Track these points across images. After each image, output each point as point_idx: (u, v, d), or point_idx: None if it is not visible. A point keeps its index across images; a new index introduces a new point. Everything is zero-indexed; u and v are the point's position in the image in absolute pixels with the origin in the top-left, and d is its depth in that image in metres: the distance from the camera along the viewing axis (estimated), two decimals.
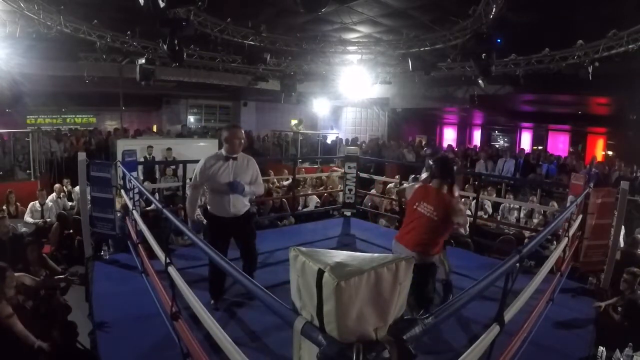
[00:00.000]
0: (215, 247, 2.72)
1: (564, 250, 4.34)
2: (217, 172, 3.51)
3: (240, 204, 3.63)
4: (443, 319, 1.52)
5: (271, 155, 13.40)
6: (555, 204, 7.42)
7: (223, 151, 3.58)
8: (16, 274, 3.61)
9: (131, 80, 10.54)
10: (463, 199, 7.73)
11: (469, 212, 7.21)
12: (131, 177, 4.72)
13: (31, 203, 7.16)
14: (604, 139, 14.61)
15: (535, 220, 7.71)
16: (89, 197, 5.03)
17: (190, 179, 4.04)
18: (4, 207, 7.09)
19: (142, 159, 8.99)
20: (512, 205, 7.99)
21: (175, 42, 7.62)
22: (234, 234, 3.72)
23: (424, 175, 4.25)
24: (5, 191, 7.38)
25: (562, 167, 10.76)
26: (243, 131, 3.74)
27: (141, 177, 7.75)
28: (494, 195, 8.54)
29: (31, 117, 13.98)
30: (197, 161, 3.69)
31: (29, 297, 3.60)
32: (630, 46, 7.61)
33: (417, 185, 3.36)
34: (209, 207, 3.69)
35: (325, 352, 1.18)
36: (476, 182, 7.62)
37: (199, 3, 6.81)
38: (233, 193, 3.51)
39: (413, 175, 4.66)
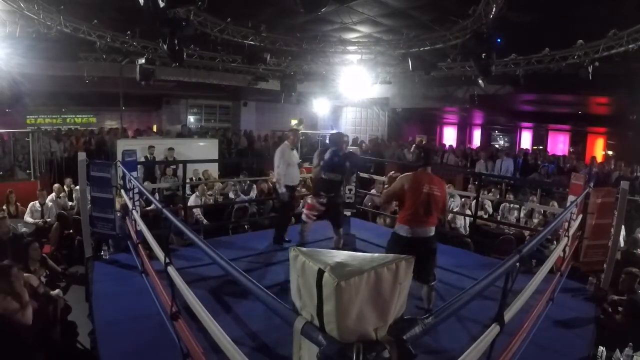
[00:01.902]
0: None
1: (564, 250, 4.34)
2: (290, 156, 5.55)
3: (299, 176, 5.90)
4: (443, 319, 1.52)
5: (271, 155, 13.34)
6: (556, 204, 7.41)
7: (289, 143, 5.65)
8: (25, 274, 3.62)
9: (131, 80, 10.51)
10: (463, 199, 7.76)
11: (469, 212, 7.24)
12: (131, 177, 4.72)
13: (31, 203, 7.16)
14: (604, 139, 14.58)
15: (535, 220, 7.71)
16: (89, 197, 5.03)
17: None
18: (4, 207, 7.09)
19: (142, 159, 8.99)
20: (512, 205, 7.99)
21: (175, 42, 7.60)
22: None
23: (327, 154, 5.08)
24: (5, 191, 7.38)
25: (562, 167, 10.76)
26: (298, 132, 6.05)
27: (141, 177, 7.74)
28: (498, 196, 8.53)
29: (31, 117, 13.96)
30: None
31: (34, 297, 3.60)
32: (630, 46, 7.60)
33: (407, 174, 3.65)
34: (286, 180, 5.53)
35: (325, 352, 1.18)
36: (476, 182, 7.61)
37: (199, 3, 6.80)
38: (299, 167, 5.77)
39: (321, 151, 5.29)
